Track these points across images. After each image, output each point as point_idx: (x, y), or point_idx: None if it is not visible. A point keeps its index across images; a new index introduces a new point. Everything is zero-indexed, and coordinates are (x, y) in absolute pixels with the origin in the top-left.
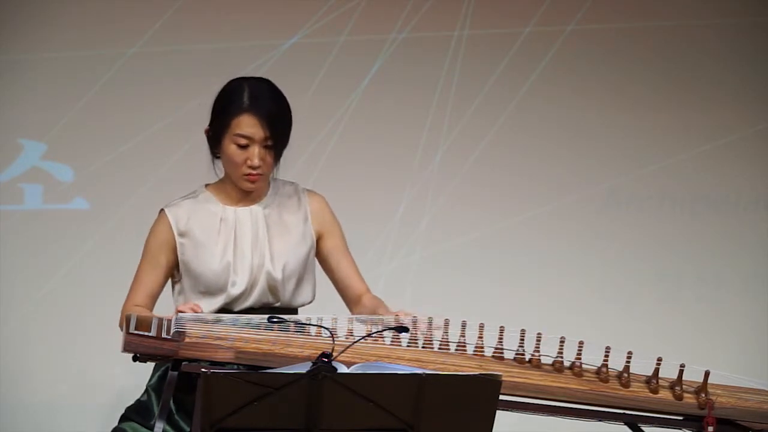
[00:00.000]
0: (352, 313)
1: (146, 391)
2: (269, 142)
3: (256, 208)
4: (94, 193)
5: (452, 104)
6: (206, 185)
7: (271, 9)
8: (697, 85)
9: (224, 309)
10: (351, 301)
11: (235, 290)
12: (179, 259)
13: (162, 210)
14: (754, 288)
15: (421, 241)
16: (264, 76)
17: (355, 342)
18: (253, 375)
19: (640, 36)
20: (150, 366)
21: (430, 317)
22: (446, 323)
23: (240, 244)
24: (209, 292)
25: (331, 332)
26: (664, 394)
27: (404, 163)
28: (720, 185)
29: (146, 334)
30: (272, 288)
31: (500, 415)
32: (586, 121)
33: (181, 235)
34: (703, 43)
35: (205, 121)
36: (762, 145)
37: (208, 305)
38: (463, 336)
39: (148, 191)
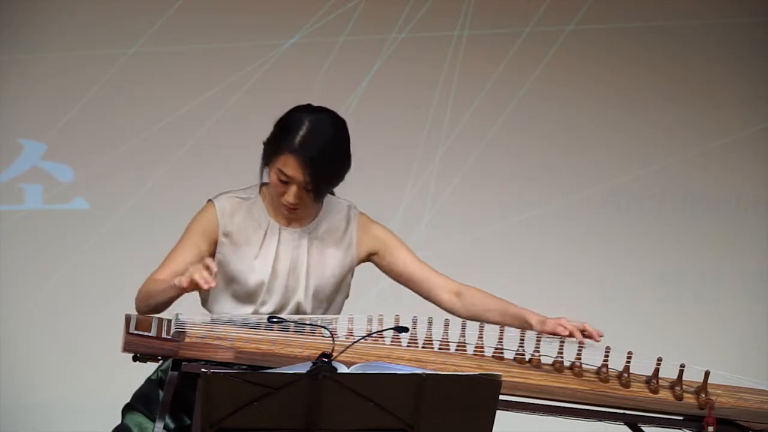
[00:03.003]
0: (465, 312)
1: (156, 372)
2: (309, 187)
3: (301, 233)
4: (94, 193)
5: (452, 104)
6: (261, 186)
7: (271, 9)
8: (697, 85)
9: None
10: (450, 303)
11: (264, 309)
12: (216, 257)
13: (210, 201)
14: (754, 288)
15: (421, 240)
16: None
17: (355, 342)
18: (253, 375)
19: (640, 36)
20: (150, 365)
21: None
22: (446, 323)
23: (278, 265)
24: (238, 298)
25: (331, 332)
26: (664, 394)
27: (404, 163)
28: (720, 185)
29: (146, 334)
30: (300, 313)
31: (500, 415)
32: (586, 121)
33: (225, 234)
34: (703, 43)
35: (204, 121)
36: (762, 145)
37: (237, 310)
38: (463, 336)
39: (147, 191)
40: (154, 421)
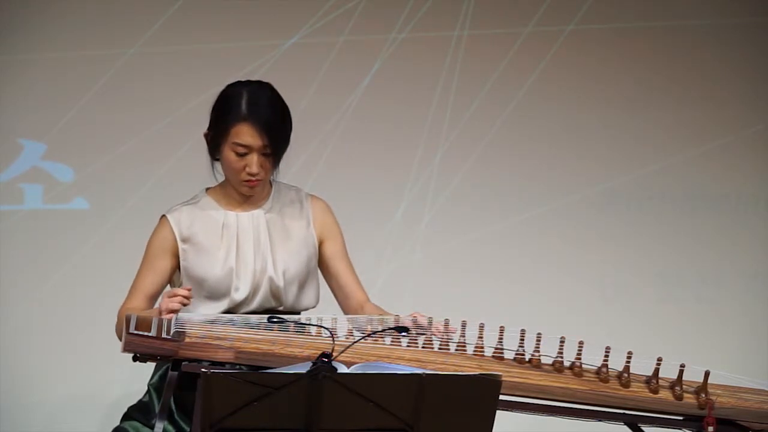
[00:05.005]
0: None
1: (148, 390)
2: (267, 150)
3: (257, 213)
4: (94, 193)
5: (452, 104)
6: (207, 189)
7: (271, 9)
8: (697, 85)
9: (228, 313)
10: (351, 309)
11: (238, 295)
12: (181, 264)
13: (163, 216)
14: (754, 288)
15: (421, 241)
16: (263, 78)
17: (355, 342)
18: (253, 375)
19: (640, 36)
20: (151, 365)
21: (446, 318)
22: (446, 323)
23: (242, 249)
24: (212, 296)
25: (331, 332)
26: (664, 394)
27: (404, 163)
28: (720, 185)
29: (146, 334)
30: (275, 293)
31: (500, 415)
32: (586, 121)
33: (184, 240)
34: (703, 43)
35: (204, 121)
36: (762, 145)
37: (212, 309)
38: (463, 336)
39: (148, 191)
40: (151, 428)
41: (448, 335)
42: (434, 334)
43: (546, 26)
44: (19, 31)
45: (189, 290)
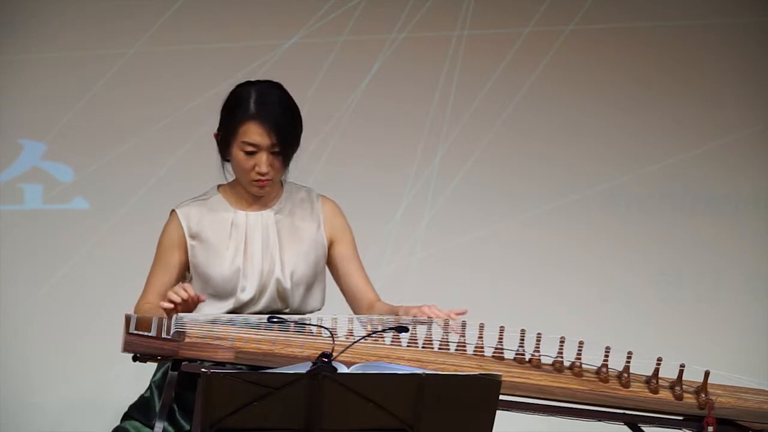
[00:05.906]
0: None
1: (149, 387)
2: (277, 149)
3: (267, 213)
4: (94, 193)
5: (452, 104)
6: (218, 186)
7: (271, 9)
8: (697, 85)
9: (233, 313)
10: (361, 309)
11: (244, 296)
12: (189, 260)
13: (173, 210)
14: (754, 288)
15: (421, 241)
16: (266, 77)
17: (355, 342)
18: (253, 375)
19: (640, 36)
20: (152, 365)
21: (446, 320)
22: (446, 323)
23: (250, 249)
24: (218, 295)
25: (331, 332)
26: (664, 394)
27: (404, 163)
28: (720, 185)
29: (146, 334)
30: (281, 294)
31: (500, 415)
32: (586, 121)
33: (192, 237)
34: (703, 43)
35: (204, 120)
36: (762, 145)
37: (218, 308)
38: (463, 336)
39: (148, 191)
40: (151, 428)
41: (456, 332)
42: (449, 319)
43: (546, 26)
44: (19, 31)
45: (196, 297)
